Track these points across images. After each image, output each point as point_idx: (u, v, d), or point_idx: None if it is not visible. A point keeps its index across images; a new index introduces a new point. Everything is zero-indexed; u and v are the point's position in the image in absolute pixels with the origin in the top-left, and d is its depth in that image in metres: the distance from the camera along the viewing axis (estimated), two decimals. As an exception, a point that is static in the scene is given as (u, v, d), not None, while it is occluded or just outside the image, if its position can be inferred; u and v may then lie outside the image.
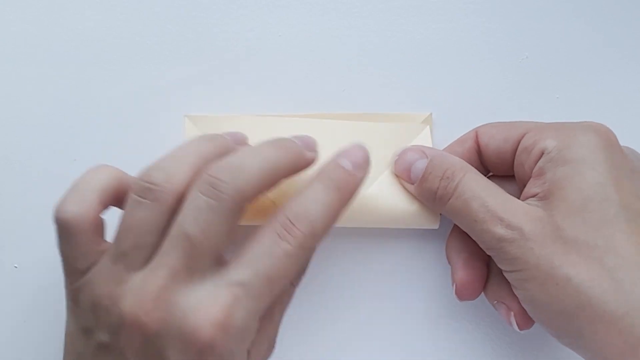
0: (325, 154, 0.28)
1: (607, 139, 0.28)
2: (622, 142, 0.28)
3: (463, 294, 0.30)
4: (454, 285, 0.30)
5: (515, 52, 0.35)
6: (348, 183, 0.26)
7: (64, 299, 0.32)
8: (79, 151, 0.34)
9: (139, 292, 0.24)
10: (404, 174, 0.31)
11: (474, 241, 0.29)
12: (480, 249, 0.30)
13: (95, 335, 0.25)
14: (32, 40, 0.34)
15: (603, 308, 0.25)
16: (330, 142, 0.31)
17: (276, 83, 0.35)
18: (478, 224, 0.28)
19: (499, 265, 0.28)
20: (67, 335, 0.27)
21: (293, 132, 0.31)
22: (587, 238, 0.26)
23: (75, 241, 0.26)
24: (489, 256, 0.30)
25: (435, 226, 0.32)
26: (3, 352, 0.32)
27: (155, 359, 0.24)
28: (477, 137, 0.31)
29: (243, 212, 0.25)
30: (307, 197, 0.26)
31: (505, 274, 0.28)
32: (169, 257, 0.24)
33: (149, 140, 0.34)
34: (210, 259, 0.25)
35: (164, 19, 0.35)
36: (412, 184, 0.31)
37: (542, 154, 0.28)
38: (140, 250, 0.25)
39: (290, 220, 0.25)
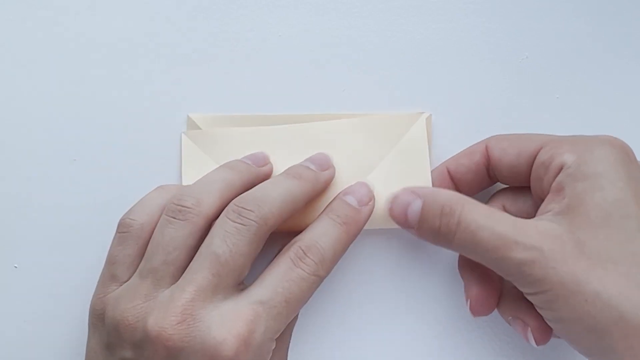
0: (327, 153, 0.32)
1: (624, 154, 0.27)
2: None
3: (477, 310, 0.30)
4: (468, 302, 0.30)
5: (515, 52, 0.35)
6: (354, 218, 0.29)
7: (63, 299, 0.33)
8: (79, 151, 0.34)
9: (166, 307, 0.25)
10: (401, 220, 0.29)
11: None
12: None
13: (118, 352, 0.26)
14: (32, 40, 0.34)
15: (637, 321, 0.24)
16: (328, 142, 0.33)
17: (276, 83, 0.35)
18: (492, 253, 0.26)
19: (521, 289, 0.27)
20: (89, 350, 0.28)
21: (288, 141, 0.32)
22: (611, 254, 0.25)
23: (130, 244, 0.28)
24: None
25: None
26: (3, 352, 0.32)
27: None
28: (486, 150, 0.31)
29: (265, 237, 0.28)
30: (317, 230, 0.28)
31: (528, 297, 0.27)
32: (196, 274, 0.26)
33: (149, 140, 0.34)
34: (234, 278, 0.26)
35: (163, 19, 0.35)
36: (412, 227, 0.29)
37: (561, 169, 0.27)
38: (168, 267, 0.27)
39: (302, 250, 0.27)
